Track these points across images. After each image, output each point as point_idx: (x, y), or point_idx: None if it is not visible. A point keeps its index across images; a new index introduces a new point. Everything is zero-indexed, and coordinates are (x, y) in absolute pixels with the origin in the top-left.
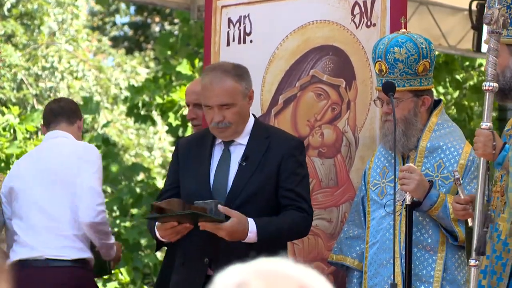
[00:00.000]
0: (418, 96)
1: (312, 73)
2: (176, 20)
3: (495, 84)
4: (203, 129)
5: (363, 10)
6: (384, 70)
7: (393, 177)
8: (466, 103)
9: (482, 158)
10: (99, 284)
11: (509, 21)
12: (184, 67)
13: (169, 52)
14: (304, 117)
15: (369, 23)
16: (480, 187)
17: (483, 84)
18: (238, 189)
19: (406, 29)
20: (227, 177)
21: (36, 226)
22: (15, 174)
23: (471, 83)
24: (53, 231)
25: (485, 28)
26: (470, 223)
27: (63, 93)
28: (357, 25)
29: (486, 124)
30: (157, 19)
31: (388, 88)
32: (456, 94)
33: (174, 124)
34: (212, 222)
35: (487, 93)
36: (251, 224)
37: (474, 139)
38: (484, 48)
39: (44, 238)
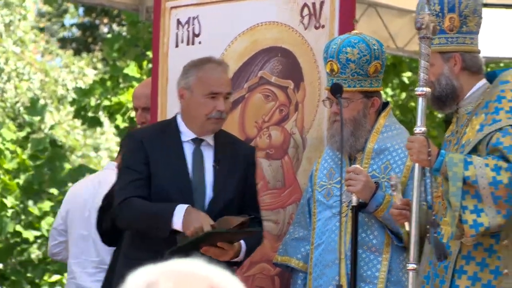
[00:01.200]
0: (368, 97)
1: (260, 74)
2: (124, 22)
3: (428, 89)
4: (155, 123)
5: (312, 11)
6: (336, 70)
7: (339, 178)
8: (413, 104)
9: (417, 164)
10: None
11: (438, 28)
12: (131, 69)
13: (117, 54)
14: (252, 118)
15: (317, 25)
16: (415, 193)
17: (416, 89)
18: (219, 194)
19: (354, 30)
20: (204, 179)
21: None
22: None
23: None
24: None
25: None
26: (407, 227)
27: (10, 94)
28: (306, 26)
29: (420, 128)
30: (105, 20)
31: (336, 90)
32: (403, 95)
33: (121, 126)
34: (246, 235)
35: (420, 98)
36: (243, 244)
37: (408, 144)
38: None
39: None
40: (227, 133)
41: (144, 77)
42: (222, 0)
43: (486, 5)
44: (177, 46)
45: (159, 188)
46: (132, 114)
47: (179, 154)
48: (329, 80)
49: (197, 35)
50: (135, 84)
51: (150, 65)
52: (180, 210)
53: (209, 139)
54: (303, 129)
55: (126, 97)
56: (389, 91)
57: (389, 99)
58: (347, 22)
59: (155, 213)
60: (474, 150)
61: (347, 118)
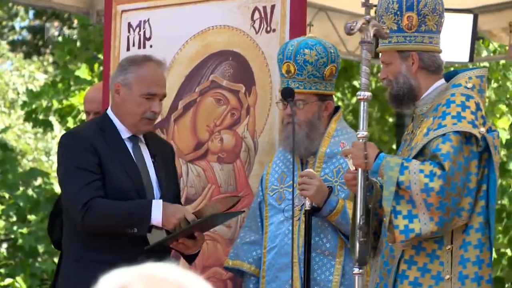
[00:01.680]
0: (322, 100)
1: (211, 78)
2: (75, 25)
3: (369, 93)
4: (87, 122)
5: (262, 15)
6: (293, 71)
7: (291, 182)
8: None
9: (359, 169)
10: None
11: (387, 32)
12: (83, 72)
13: (68, 57)
14: (203, 122)
15: (269, 29)
16: (359, 197)
17: (357, 93)
18: (166, 190)
19: (306, 35)
20: (149, 174)
21: None
22: None
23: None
24: None
25: None
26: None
27: None
28: (257, 30)
29: (362, 133)
30: (56, 23)
31: (287, 93)
32: (354, 100)
33: None
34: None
35: (362, 102)
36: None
37: (345, 150)
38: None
39: None
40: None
41: (96, 79)
42: (173, 4)
43: None
44: (128, 49)
45: (114, 188)
46: (84, 117)
47: (125, 151)
48: (284, 82)
49: (148, 39)
50: (87, 86)
51: (101, 68)
52: (157, 205)
53: (141, 136)
54: (255, 133)
55: (77, 100)
56: (339, 95)
57: (339, 103)
58: (298, 26)
59: (130, 211)
60: (421, 154)
61: (302, 120)
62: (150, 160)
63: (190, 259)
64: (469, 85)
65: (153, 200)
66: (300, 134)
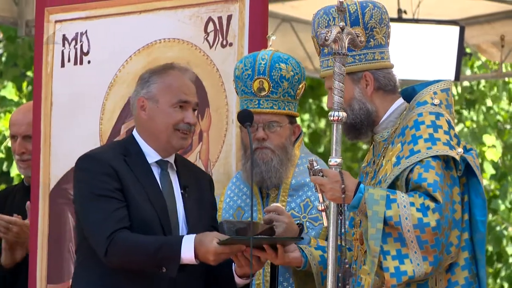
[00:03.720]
0: (292, 123)
1: None
2: (1, 37)
3: (344, 114)
4: (110, 144)
5: (217, 27)
6: (267, 89)
7: (250, 219)
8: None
9: (332, 202)
10: None
11: (363, 40)
12: (9, 92)
13: None
14: None
15: (225, 42)
16: (331, 234)
17: (329, 114)
18: (194, 227)
19: (266, 48)
20: (175, 205)
21: None
22: None
23: None
24: None
25: None
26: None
27: None
28: (211, 44)
29: (335, 160)
30: None
31: (244, 117)
32: (322, 123)
33: None
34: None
35: (335, 124)
36: None
37: (318, 179)
38: None
39: None
40: (183, 157)
41: (24, 100)
42: (114, 14)
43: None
44: (63, 65)
45: (136, 218)
46: (10, 143)
47: (150, 178)
48: (253, 102)
49: (86, 54)
50: (14, 109)
51: (30, 87)
52: (189, 242)
53: (173, 161)
54: (209, 162)
55: (2, 124)
56: (306, 116)
57: (305, 126)
58: (258, 40)
59: (158, 248)
60: (392, 187)
61: (275, 145)
62: (179, 191)
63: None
64: (436, 101)
65: (184, 236)
66: (274, 161)
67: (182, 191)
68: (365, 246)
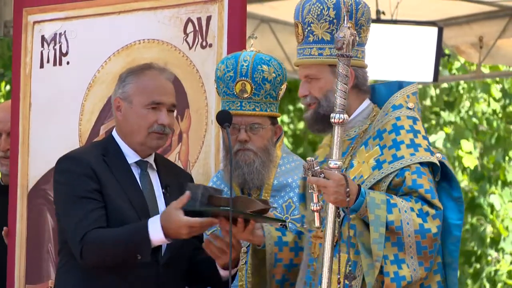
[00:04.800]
0: (273, 124)
1: None
2: None
3: (346, 116)
4: (90, 144)
5: (197, 28)
6: (249, 91)
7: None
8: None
9: (331, 205)
10: None
11: (357, 40)
12: None
13: None
14: None
15: (204, 43)
16: (329, 236)
17: (331, 115)
18: None
19: (245, 49)
20: (157, 206)
21: None
22: None
23: None
24: None
25: None
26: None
27: None
28: (191, 45)
29: (335, 162)
30: None
31: (223, 118)
32: (301, 125)
33: None
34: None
35: (336, 127)
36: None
37: (322, 182)
38: None
39: None
40: (163, 157)
41: (2, 100)
42: (93, 14)
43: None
44: (42, 66)
45: (116, 219)
46: None
47: (130, 179)
48: (234, 103)
49: (65, 54)
50: None
51: (8, 87)
52: (155, 223)
53: (152, 161)
54: (188, 163)
55: None
56: (285, 118)
57: (285, 127)
58: (237, 40)
59: (127, 237)
60: (369, 188)
61: (258, 147)
62: (160, 190)
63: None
64: (410, 105)
65: (149, 219)
66: (256, 163)
67: (163, 191)
68: (359, 246)
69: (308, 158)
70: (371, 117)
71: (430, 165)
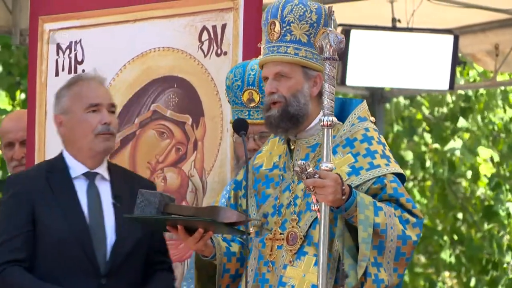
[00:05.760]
0: None
1: (153, 108)
2: None
3: (334, 118)
4: (41, 163)
5: (212, 36)
6: (256, 100)
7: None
8: None
9: (324, 204)
10: None
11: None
12: (2, 101)
13: None
14: (144, 158)
15: (219, 51)
16: (323, 235)
17: (321, 118)
18: (123, 235)
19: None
20: (103, 220)
21: None
22: None
23: None
24: None
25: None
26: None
27: None
28: (206, 53)
29: (326, 165)
30: None
31: (239, 126)
32: None
33: None
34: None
35: (325, 129)
36: None
37: (319, 182)
38: (351, 80)
39: None
40: (120, 166)
41: (18, 108)
42: (108, 22)
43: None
44: (57, 75)
45: (50, 239)
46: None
47: (70, 195)
48: (243, 112)
49: (80, 62)
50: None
51: (24, 95)
52: None
53: (103, 172)
54: (203, 171)
55: None
56: None
57: None
58: (252, 48)
59: None
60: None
61: None
62: (109, 201)
63: None
64: (372, 119)
65: None
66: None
67: (113, 201)
68: (339, 247)
69: (299, 162)
70: (335, 128)
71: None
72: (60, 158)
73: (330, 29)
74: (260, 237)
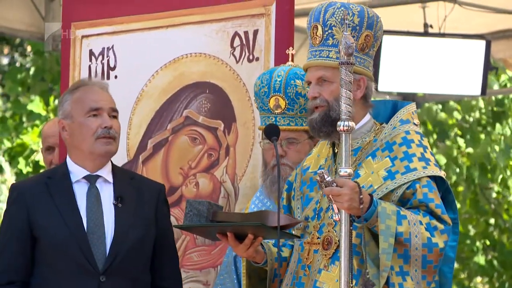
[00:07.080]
0: (311, 138)
1: (186, 114)
2: (28, 52)
3: (352, 123)
4: (44, 171)
5: (244, 42)
6: (283, 106)
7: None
8: None
9: (344, 212)
10: None
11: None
12: (36, 106)
13: (20, 89)
14: (176, 164)
15: (251, 57)
16: (344, 244)
17: (338, 124)
18: (123, 233)
19: (293, 62)
20: (102, 220)
21: None
22: None
23: None
24: None
25: (383, 63)
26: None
27: None
28: (238, 59)
29: (345, 170)
30: (6, 50)
31: (271, 132)
32: None
33: (24, 172)
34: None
35: (344, 134)
36: None
37: (335, 190)
38: (383, 86)
39: None
40: (127, 170)
41: (51, 115)
42: (141, 28)
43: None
44: None
45: (50, 242)
46: (38, 157)
47: (68, 198)
48: (270, 118)
49: (113, 68)
50: (41, 123)
51: (57, 101)
52: None
53: (106, 174)
54: (235, 177)
55: (30, 138)
56: None
57: None
58: (284, 54)
59: None
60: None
61: (294, 161)
62: (110, 202)
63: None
64: (416, 121)
65: None
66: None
67: (114, 202)
68: (365, 255)
69: (319, 171)
70: (375, 130)
71: (436, 180)
72: (63, 164)
73: (346, 33)
74: (300, 241)
